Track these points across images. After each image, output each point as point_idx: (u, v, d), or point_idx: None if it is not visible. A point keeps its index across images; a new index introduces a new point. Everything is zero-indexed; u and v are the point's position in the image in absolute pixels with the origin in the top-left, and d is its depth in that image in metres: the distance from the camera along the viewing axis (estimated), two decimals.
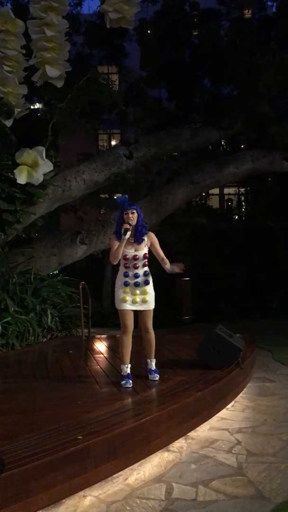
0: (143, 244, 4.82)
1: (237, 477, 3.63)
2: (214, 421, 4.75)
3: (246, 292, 13.52)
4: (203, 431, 4.52)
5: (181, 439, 4.26)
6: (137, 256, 4.79)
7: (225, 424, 4.70)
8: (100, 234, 9.56)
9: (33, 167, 8.14)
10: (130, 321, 4.81)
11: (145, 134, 11.90)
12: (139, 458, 3.79)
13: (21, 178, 8.00)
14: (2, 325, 6.93)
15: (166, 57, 15.14)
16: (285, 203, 14.78)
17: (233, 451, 4.08)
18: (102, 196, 14.47)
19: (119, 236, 4.76)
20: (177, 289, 12.63)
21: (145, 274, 4.82)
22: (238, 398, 5.41)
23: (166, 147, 11.54)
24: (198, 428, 4.49)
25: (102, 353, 6.68)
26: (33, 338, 7.37)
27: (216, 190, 19.09)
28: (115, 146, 13.00)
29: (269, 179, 16.33)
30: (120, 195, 4.92)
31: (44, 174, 8.33)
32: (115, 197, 4.96)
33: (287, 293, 12.82)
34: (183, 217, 15.48)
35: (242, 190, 19.57)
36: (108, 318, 11.93)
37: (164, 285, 12.81)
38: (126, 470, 3.67)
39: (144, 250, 4.83)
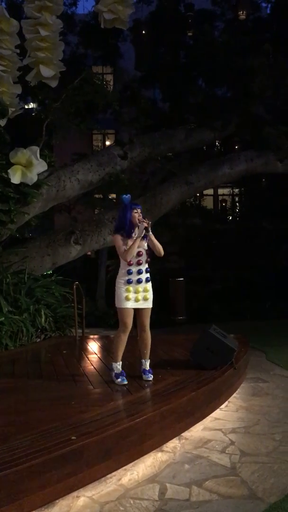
0: (144, 240, 4.84)
1: (231, 477, 3.64)
2: (207, 421, 4.76)
3: (240, 292, 13.55)
4: (197, 431, 4.53)
5: (174, 439, 4.26)
6: (141, 252, 4.81)
7: (219, 424, 4.71)
8: (94, 234, 9.55)
9: (27, 167, 8.12)
10: (130, 320, 4.82)
11: (140, 134, 11.91)
12: (133, 458, 3.79)
13: (15, 177, 7.98)
14: None
15: (161, 58, 15.15)
16: (278, 204, 14.84)
17: (226, 451, 4.09)
18: (96, 196, 14.45)
19: (128, 233, 4.75)
20: (170, 289, 12.65)
21: (147, 270, 4.86)
22: (231, 398, 5.42)
23: (160, 148, 11.55)
24: (191, 428, 4.50)
25: (96, 353, 6.67)
26: (26, 338, 7.35)
27: (210, 191, 19.14)
28: (109, 146, 12.99)
29: (263, 180, 16.40)
30: (126, 195, 4.92)
31: (38, 174, 8.31)
32: (124, 196, 4.94)
33: (281, 294, 12.87)
34: (177, 217, 15.51)
35: (236, 190, 19.63)
36: (102, 319, 11.93)
37: (158, 285, 12.87)
38: (120, 470, 3.67)
39: (145, 246, 4.86)
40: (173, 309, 12.42)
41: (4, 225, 8.14)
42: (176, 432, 4.29)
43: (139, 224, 4.75)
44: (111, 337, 7.51)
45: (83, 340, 7.72)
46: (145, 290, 4.84)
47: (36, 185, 8.35)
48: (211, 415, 4.86)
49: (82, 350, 7.00)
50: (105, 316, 12.26)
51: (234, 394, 5.53)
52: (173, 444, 4.22)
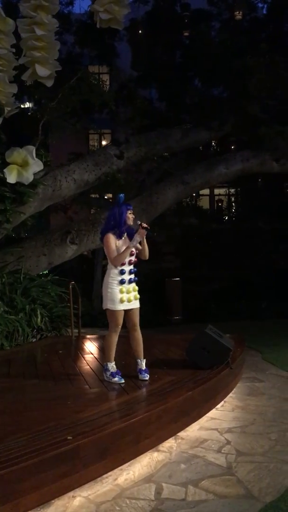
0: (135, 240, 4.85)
1: (227, 476, 3.64)
2: (203, 421, 4.75)
3: (236, 292, 13.57)
4: (193, 431, 4.53)
5: (170, 439, 4.26)
6: (133, 252, 4.83)
7: (215, 424, 4.72)
8: (90, 234, 9.53)
9: (23, 166, 8.10)
10: (121, 320, 4.85)
11: (136, 134, 11.90)
12: (129, 458, 3.79)
13: (11, 177, 7.95)
14: None
15: (157, 58, 15.15)
16: (274, 204, 14.87)
17: (222, 451, 4.09)
18: (93, 196, 14.43)
19: (121, 233, 4.76)
20: (167, 289, 12.66)
21: (135, 269, 4.90)
22: (227, 398, 5.42)
23: (156, 147, 11.55)
24: (187, 428, 4.50)
25: (92, 353, 6.66)
26: (22, 338, 7.33)
27: (206, 191, 19.16)
28: (105, 146, 12.98)
29: (259, 180, 16.43)
30: (121, 195, 4.91)
31: (34, 174, 8.28)
32: (120, 196, 4.93)
33: (277, 294, 12.90)
34: (173, 217, 15.51)
35: (232, 190, 19.65)
36: (98, 318, 11.91)
37: (154, 285, 12.90)
38: (116, 470, 3.67)
39: (136, 245, 4.87)
40: (169, 309, 12.42)
41: (0, 224, 8.12)
42: (172, 431, 4.30)
43: (140, 229, 4.71)
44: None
45: (79, 340, 7.71)
46: (134, 290, 4.88)
47: (32, 184, 8.33)
48: (207, 414, 4.86)
49: (78, 350, 6.99)
50: (101, 316, 12.21)
51: (230, 394, 5.53)
52: (169, 443, 4.22)
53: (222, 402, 5.28)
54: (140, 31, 15.05)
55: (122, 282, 4.77)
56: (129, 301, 4.81)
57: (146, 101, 14.16)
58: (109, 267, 4.87)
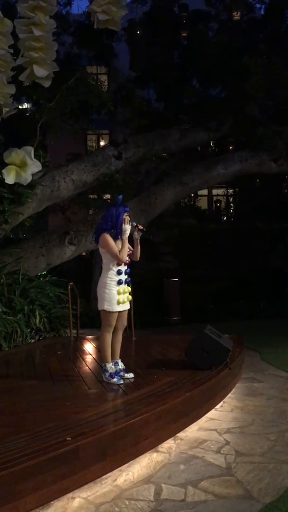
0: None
1: (226, 477, 3.64)
2: (202, 421, 4.75)
3: (235, 292, 13.57)
4: (192, 431, 4.53)
5: (170, 439, 4.26)
6: (128, 252, 4.86)
7: (214, 425, 4.72)
8: (88, 234, 9.52)
9: (21, 167, 8.09)
10: (115, 321, 4.87)
11: (134, 134, 11.90)
12: (128, 459, 3.78)
13: (9, 178, 7.95)
14: None
15: (155, 58, 15.16)
16: (273, 204, 14.88)
17: (221, 452, 4.09)
18: (91, 196, 14.42)
19: (118, 234, 4.76)
20: (165, 290, 12.64)
21: (129, 270, 4.93)
22: (226, 398, 5.42)
23: (154, 148, 11.54)
24: (187, 429, 4.50)
25: (91, 354, 6.66)
26: (21, 339, 7.32)
27: (204, 191, 19.15)
28: (104, 146, 12.98)
29: (257, 180, 16.43)
30: (120, 196, 4.97)
31: (32, 174, 8.28)
32: (119, 197, 4.97)
33: (275, 294, 12.90)
34: (171, 218, 15.50)
35: (231, 191, 19.65)
36: (97, 319, 11.87)
37: (153, 286, 12.89)
38: (115, 471, 3.67)
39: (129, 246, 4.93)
40: (168, 309, 12.41)
41: None
42: (171, 432, 4.29)
43: (136, 231, 4.80)
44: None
45: (78, 341, 7.70)
46: (128, 290, 4.92)
47: (30, 185, 8.33)
48: (206, 415, 4.86)
49: (77, 351, 6.98)
50: (100, 316, 12.21)
51: (229, 394, 5.53)
52: (169, 444, 4.21)
53: (221, 402, 5.28)
54: (138, 32, 15.06)
55: (119, 282, 4.78)
56: (123, 302, 4.83)
57: (144, 102, 14.17)
58: (105, 268, 4.85)
